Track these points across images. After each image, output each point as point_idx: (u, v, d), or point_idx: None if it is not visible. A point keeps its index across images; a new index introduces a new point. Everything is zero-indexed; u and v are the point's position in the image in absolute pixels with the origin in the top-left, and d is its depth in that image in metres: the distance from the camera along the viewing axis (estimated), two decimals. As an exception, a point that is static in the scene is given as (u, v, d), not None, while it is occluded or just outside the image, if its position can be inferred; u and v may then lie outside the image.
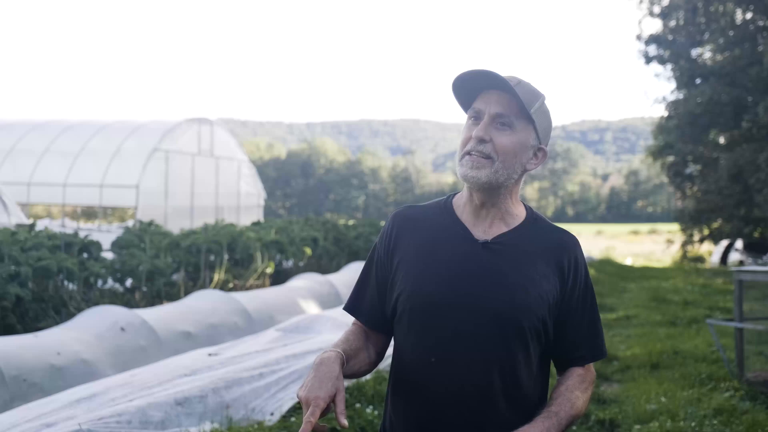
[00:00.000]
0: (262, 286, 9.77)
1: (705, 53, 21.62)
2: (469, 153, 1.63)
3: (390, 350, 1.79)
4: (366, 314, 1.77)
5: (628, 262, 22.86)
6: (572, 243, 1.70)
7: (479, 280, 1.61)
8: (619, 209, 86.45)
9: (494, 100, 1.63)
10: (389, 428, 1.73)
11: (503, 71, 1.63)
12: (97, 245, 8.08)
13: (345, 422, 1.43)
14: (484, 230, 1.67)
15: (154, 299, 7.83)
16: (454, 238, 1.67)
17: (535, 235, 1.68)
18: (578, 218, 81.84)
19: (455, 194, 1.77)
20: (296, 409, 4.46)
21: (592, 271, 1.84)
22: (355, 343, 1.72)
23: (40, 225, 14.93)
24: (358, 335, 1.75)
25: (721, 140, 20.95)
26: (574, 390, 1.66)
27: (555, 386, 1.69)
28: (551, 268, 1.65)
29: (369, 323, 1.77)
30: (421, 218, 1.73)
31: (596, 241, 35.30)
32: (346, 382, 4.92)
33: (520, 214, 1.71)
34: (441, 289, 1.62)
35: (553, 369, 1.75)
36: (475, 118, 1.65)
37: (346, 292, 9.04)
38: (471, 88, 1.66)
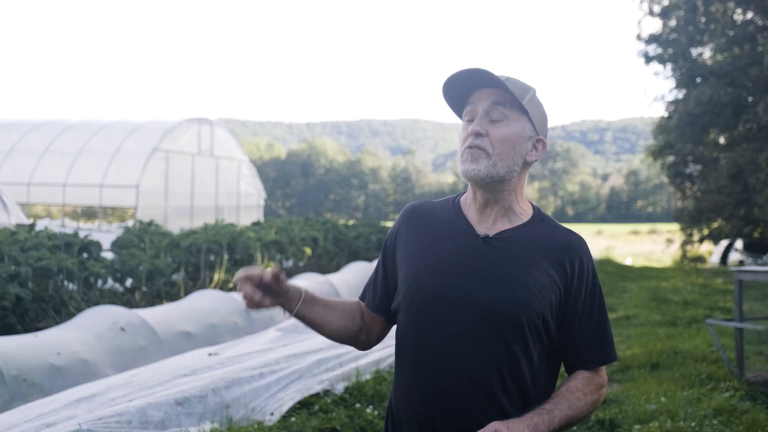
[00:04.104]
0: (262, 286, 9.75)
1: (705, 53, 21.59)
2: (468, 147, 1.65)
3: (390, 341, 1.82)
4: (368, 296, 1.84)
5: (628, 262, 22.87)
6: (579, 244, 1.68)
7: (478, 275, 1.61)
8: (619, 209, 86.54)
9: (485, 96, 1.66)
10: (392, 419, 1.74)
11: (494, 70, 1.66)
12: (97, 245, 8.06)
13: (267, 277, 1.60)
14: (488, 227, 1.68)
15: (154, 299, 7.83)
16: (456, 234, 1.68)
17: (540, 234, 1.67)
18: (578, 218, 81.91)
19: (464, 193, 1.78)
20: (296, 409, 4.46)
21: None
22: (339, 305, 1.78)
23: (40, 225, 14.95)
24: (348, 306, 1.81)
25: (721, 140, 20.92)
26: (575, 391, 1.63)
27: (558, 386, 1.68)
28: (554, 268, 1.63)
29: (370, 305, 1.82)
30: (429, 213, 1.76)
31: (596, 241, 35.29)
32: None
33: (526, 212, 1.71)
34: (439, 283, 1.63)
35: (561, 369, 1.74)
36: (470, 118, 1.68)
37: (346, 292, 9.04)
38: (461, 90, 1.69)
